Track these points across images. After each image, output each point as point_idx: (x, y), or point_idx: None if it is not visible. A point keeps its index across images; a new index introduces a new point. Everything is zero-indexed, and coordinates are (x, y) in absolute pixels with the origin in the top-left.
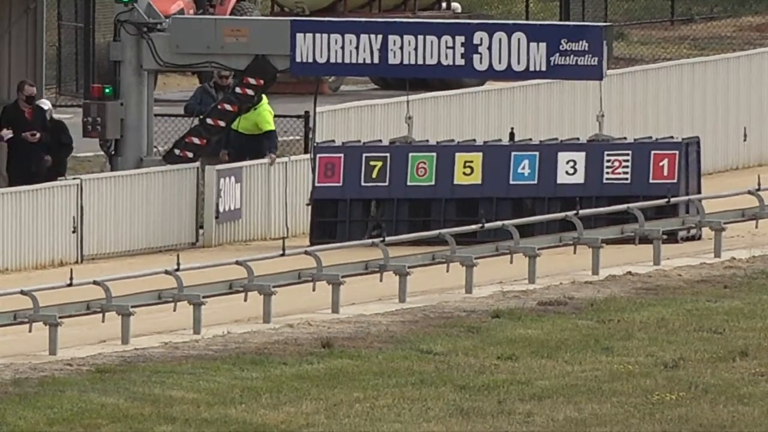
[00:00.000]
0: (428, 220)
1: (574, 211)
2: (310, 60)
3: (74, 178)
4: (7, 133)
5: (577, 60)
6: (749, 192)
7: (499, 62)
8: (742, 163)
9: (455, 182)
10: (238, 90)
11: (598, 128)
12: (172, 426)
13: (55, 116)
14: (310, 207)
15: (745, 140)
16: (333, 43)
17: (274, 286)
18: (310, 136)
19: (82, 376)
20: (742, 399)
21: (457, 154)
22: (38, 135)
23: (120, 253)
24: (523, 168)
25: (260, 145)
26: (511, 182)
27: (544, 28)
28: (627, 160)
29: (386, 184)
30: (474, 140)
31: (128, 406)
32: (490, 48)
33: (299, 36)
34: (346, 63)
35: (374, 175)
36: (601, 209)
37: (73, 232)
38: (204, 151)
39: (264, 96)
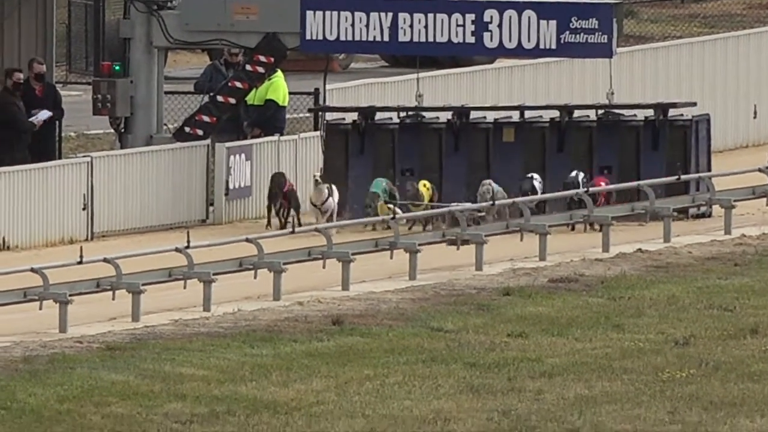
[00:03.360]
0: (440, 197)
1: (584, 189)
2: (320, 37)
3: (84, 156)
4: (45, 113)
5: (587, 38)
6: (759, 170)
7: (510, 40)
8: (752, 141)
9: None
10: (248, 67)
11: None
12: (182, 403)
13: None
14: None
15: (755, 117)
16: (343, 21)
17: (284, 264)
18: (320, 114)
19: (92, 353)
20: (752, 376)
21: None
22: (48, 114)
23: (130, 231)
24: None
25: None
26: None
27: (555, 6)
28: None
29: None
30: (484, 117)
31: (138, 383)
32: (500, 26)
33: (309, 13)
34: (356, 40)
35: None
36: (612, 186)
37: (84, 209)
38: (214, 128)
39: (279, 71)
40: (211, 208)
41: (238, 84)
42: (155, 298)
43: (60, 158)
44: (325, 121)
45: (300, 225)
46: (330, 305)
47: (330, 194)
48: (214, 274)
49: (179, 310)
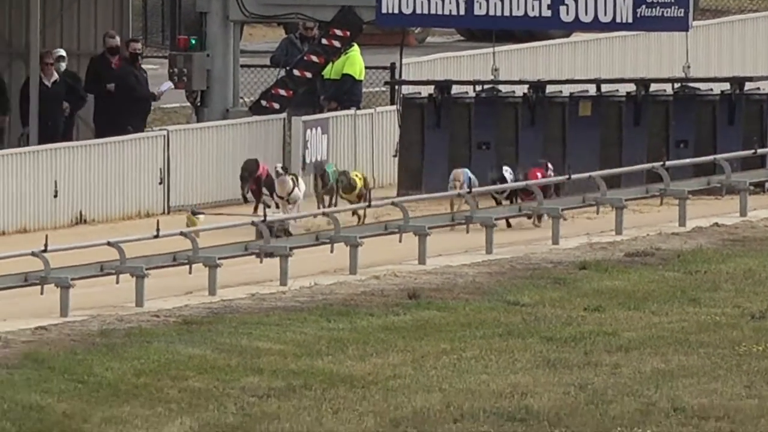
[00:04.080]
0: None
1: (661, 162)
2: (396, 11)
3: (161, 130)
4: (168, 85)
5: (663, 11)
6: None
7: (586, 14)
8: None
9: None
10: (324, 41)
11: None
12: (259, 377)
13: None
14: (396, 158)
15: None
16: None
17: (360, 237)
18: (396, 88)
19: (169, 327)
20: None
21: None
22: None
23: (206, 205)
24: None
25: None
26: None
27: None
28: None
29: None
30: (560, 91)
31: (215, 357)
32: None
33: None
34: (432, 14)
35: None
36: (688, 160)
37: (160, 183)
38: (290, 102)
39: (356, 45)
40: None
41: (314, 58)
42: (232, 272)
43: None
44: (401, 95)
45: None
46: (406, 279)
47: (295, 184)
48: (290, 248)
49: (256, 284)
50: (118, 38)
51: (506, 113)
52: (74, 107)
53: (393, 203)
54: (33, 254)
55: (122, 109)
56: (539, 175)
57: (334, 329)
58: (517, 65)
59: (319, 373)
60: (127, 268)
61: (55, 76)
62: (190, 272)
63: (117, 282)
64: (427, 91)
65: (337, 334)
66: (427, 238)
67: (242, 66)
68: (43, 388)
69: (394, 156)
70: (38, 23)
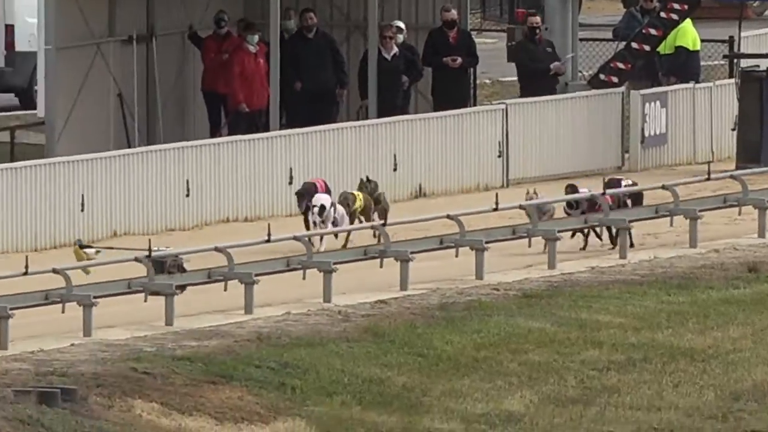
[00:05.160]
0: None
1: None
2: None
3: (499, 103)
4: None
5: None
6: None
7: None
8: None
9: None
10: (662, 14)
11: None
12: (599, 351)
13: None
14: (735, 131)
15: None
16: None
17: (699, 211)
18: (735, 61)
19: (508, 300)
20: None
21: None
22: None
23: (545, 178)
24: None
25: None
26: None
27: None
28: None
29: None
30: None
31: (555, 330)
32: None
33: None
34: None
35: None
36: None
37: (499, 156)
38: (629, 75)
39: (688, 18)
40: (626, 155)
41: (653, 31)
42: (569, 245)
43: (475, 105)
44: (740, 69)
45: None
46: (746, 252)
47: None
48: (629, 221)
49: (595, 258)
50: (455, 11)
51: None
52: (412, 80)
53: (732, 176)
54: (372, 228)
55: (530, 84)
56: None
57: (674, 302)
58: None
59: (659, 346)
60: (468, 242)
61: (395, 49)
62: (529, 245)
63: (456, 255)
64: (766, 64)
65: (677, 307)
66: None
67: (581, 39)
68: (383, 361)
69: (733, 130)
70: None
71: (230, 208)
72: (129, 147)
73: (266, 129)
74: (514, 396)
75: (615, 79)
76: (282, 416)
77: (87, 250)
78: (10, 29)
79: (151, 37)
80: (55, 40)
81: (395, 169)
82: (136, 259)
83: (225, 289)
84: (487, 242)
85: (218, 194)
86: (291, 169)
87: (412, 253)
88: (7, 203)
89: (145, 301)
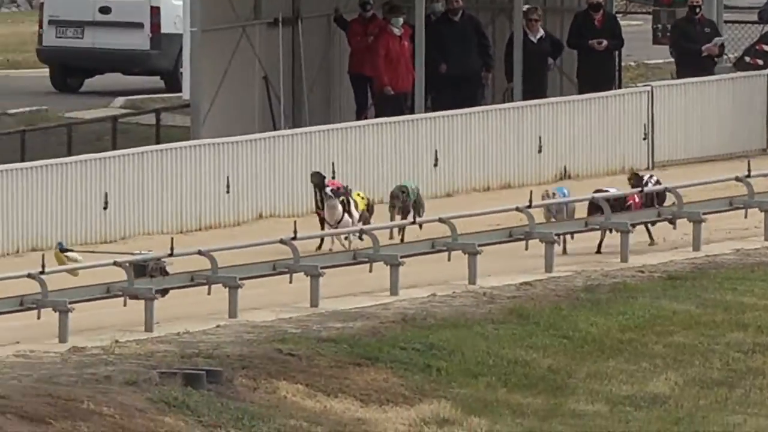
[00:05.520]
0: None
1: None
2: None
3: (645, 85)
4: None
5: None
6: None
7: None
8: None
9: None
10: None
11: None
12: (744, 333)
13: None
14: None
15: None
16: None
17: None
18: None
19: (653, 282)
20: None
21: None
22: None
23: (690, 160)
24: None
25: None
26: None
27: None
28: None
29: None
30: None
31: (699, 312)
32: None
33: None
34: None
35: None
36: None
37: (644, 138)
38: None
39: None
40: None
41: None
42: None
43: (620, 87)
44: None
45: None
46: None
47: (346, 209)
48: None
49: (741, 240)
50: None
51: None
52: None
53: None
54: (517, 209)
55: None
56: None
57: None
58: None
59: None
60: (612, 224)
61: (541, 32)
62: (674, 227)
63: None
64: None
65: None
66: None
67: (726, 21)
68: (528, 343)
69: None
70: None
71: (375, 190)
72: (275, 129)
73: (411, 111)
74: (659, 378)
75: (760, 62)
76: (427, 398)
77: (68, 254)
78: (155, 11)
79: (296, 19)
80: (201, 23)
81: (540, 151)
82: (115, 263)
83: (370, 270)
84: (632, 225)
85: (363, 177)
86: (436, 151)
87: (556, 235)
88: (155, 185)
89: (290, 282)
